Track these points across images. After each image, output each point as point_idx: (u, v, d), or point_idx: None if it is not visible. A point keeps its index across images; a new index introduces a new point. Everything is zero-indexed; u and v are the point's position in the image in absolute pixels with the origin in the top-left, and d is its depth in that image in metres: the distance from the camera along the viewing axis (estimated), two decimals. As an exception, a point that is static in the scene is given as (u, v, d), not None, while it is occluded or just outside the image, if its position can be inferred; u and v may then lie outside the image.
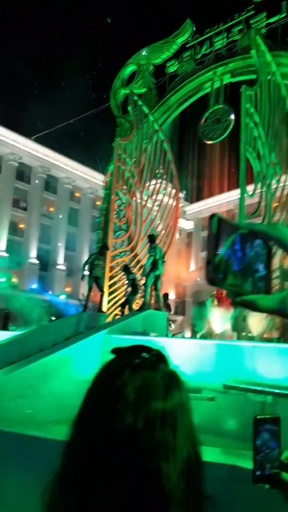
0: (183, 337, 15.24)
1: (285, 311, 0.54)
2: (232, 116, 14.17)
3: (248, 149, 12.11)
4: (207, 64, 15.33)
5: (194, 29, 16.09)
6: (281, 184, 12.23)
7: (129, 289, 12.61)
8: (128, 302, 12.51)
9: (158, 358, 0.77)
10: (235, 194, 13.68)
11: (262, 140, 12.12)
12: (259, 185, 12.23)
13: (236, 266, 0.53)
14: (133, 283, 12.43)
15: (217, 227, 0.53)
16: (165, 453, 0.69)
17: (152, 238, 12.23)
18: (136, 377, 0.72)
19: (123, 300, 13.06)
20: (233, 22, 15.12)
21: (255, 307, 0.53)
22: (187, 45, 16.16)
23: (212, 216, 0.54)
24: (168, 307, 13.51)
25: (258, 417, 1.07)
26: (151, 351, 0.78)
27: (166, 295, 13.83)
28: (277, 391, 6.33)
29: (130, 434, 0.68)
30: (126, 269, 12.85)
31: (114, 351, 0.80)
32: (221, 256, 0.52)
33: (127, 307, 12.44)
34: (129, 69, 17.56)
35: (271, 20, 14.15)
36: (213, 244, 0.52)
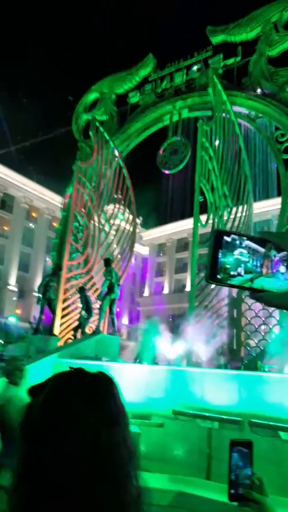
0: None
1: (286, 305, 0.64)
2: (189, 149, 14.83)
3: (202, 181, 12.66)
4: (167, 97, 16.04)
5: (155, 63, 16.85)
6: (232, 216, 12.80)
7: (83, 312, 12.46)
8: (81, 325, 12.32)
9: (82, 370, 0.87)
10: (189, 222, 14.15)
11: (215, 173, 12.73)
12: (211, 216, 12.73)
13: (232, 268, 0.64)
14: (87, 307, 12.30)
15: (215, 239, 0.64)
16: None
17: (108, 262, 12.28)
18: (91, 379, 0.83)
19: (76, 323, 12.85)
20: (193, 60, 16.05)
21: (265, 301, 0.63)
22: (149, 78, 16.87)
23: (213, 231, 0.66)
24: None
25: (232, 440, 1.16)
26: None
27: None
28: (223, 417, 6.46)
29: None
30: (81, 291, 12.70)
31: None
32: (219, 261, 0.63)
33: (79, 330, 12.25)
34: (92, 96, 17.99)
35: (228, 62, 15.18)
36: (211, 252, 0.64)
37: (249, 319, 11.71)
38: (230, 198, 12.80)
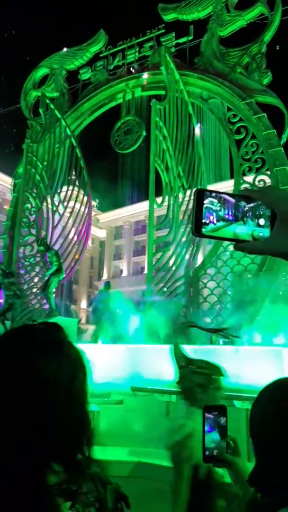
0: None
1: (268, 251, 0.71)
2: (143, 128, 14.71)
3: (157, 161, 12.65)
4: (120, 75, 15.72)
5: (107, 40, 16.41)
6: (186, 198, 12.92)
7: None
8: (11, 308, 11.90)
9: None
10: (146, 205, 14.24)
11: (170, 153, 12.74)
12: (167, 197, 12.80)
13: (203, 216, 0.70)
14: (15, 293, 11.93)
15: (198, 197, 0.71)
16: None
17: (45, 243, 12.26)
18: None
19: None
20: (145, 38, 15.77)
21: (248, 249, 0.70)
22: (100, 55, 16.41)
23: (195, 191, 0.73)
24: None
25: (206, 406, 1.22)
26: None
27: None
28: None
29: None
30: (5, 274, 12.27)
31: None
32: (202, 215, 0.70)
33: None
34: (41, 71, 17.25)
35: (180, 40, 15.06)
36: (195, 208, 0.71)
37: (204, 296, 12.02)
38: (184, 178, 12.89)
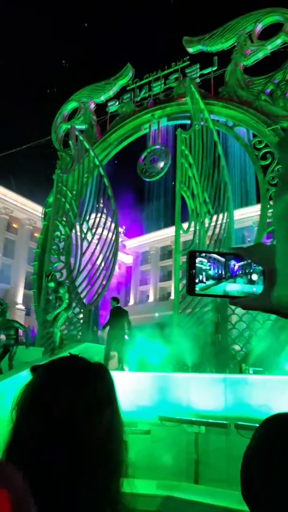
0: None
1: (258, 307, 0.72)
2: (169, 157, 15.01)
3: (183, 188, 12.81)
4: (146, 106, 16.23)
5: (134, 73, 17.06)
6: (212, 223, 12.94)
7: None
8: (7, 352, 10.03)
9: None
10: (172, 230, 14.33)
11: (195, 180, 12.89)
12: (193, 222, 12.87)
13: (208, 279, 0.73)
14: (17, 335, 10.20)
15: (190, 258, 0.74)
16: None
17: (56, 279, 11.66)
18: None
19: None
20: (170, 70, 16.31)
21: (241, 305, 0.72)
22: (127, 88, 17.05)
23: (188, 252, 0.75)
24: None
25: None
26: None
27: None
28: (210, 421, 6.47)
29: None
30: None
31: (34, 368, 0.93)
32: (195, 275, 0.73)
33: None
34: (71, 105, 18.08)
35: (204, 71, 15.49)
36: (188, 269, 0.74)
37: (233, 323, 11.80)
38: (210, 204, 12.96)
